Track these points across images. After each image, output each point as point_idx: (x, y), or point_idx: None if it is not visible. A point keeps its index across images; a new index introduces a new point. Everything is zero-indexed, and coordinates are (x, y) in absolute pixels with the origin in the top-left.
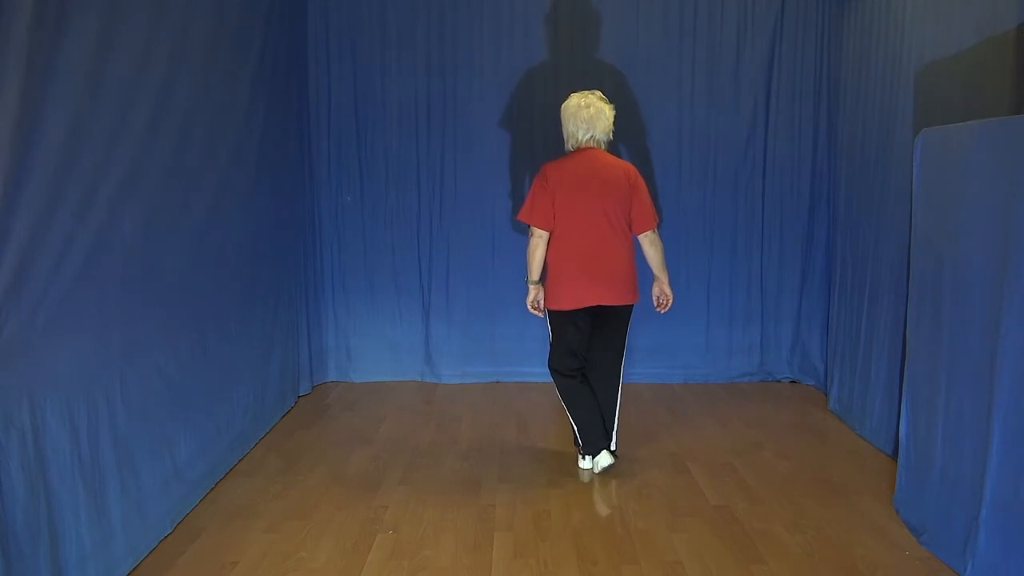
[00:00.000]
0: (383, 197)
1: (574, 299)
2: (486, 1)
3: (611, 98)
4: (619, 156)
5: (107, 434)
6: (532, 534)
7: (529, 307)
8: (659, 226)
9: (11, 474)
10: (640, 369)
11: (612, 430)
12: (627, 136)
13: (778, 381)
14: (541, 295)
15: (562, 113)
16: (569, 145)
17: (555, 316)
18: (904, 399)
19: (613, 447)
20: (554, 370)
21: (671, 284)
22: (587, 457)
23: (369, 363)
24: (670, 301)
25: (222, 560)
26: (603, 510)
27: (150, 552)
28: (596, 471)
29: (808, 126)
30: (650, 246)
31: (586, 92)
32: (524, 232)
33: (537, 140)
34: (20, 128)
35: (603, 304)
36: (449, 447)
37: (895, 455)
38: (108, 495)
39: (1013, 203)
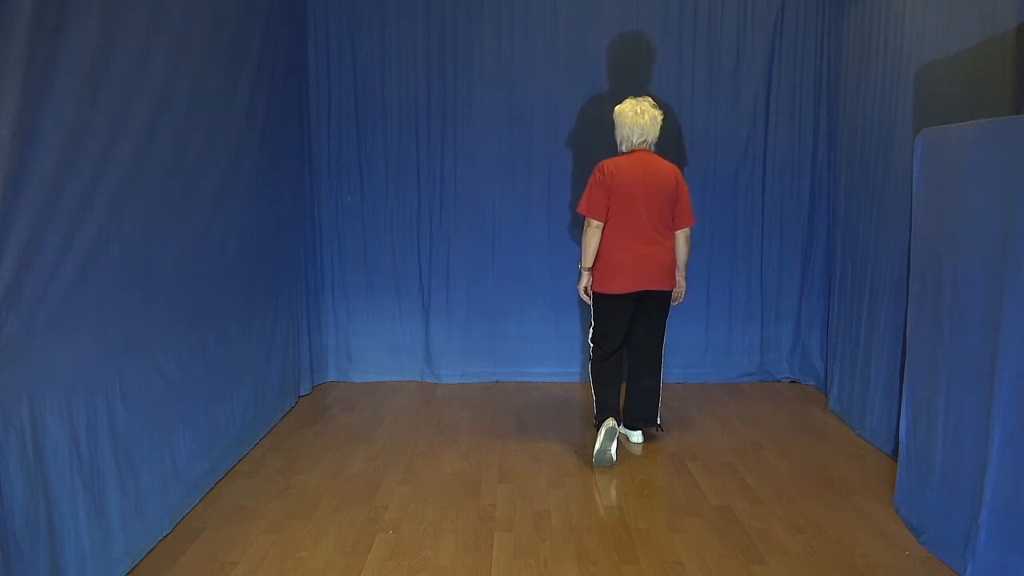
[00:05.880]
0: (383, 197)
1: (625, 284)
2: (486, 1)
3: (610, 98)
4: (614, 154)
5: (106, 434)
6: (532, 534)
7: (581, 292)
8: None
9: (10, 474)
10: None
11: (657, 407)
12: None
13: (778, 381)
14: (591, 281)
15: (616, 118)
16: (623, 147)
17: (604, 299)
18: (904, 399)
19: (659, 421)
20: (597, 346)
21: (687, 279)
22: (602, 425)
23: (369, 363)
24: (683, 293)
25: (222, 560)
26: (603, 510)
27: (149, 552)
28: (633, 440)
29: (808, 126)
30: (684, 242)
31: (639, 99)
32: (523, 232)
33: (537, 139)
34: (20, 128)
35: (649, 289)
36: (449, 447)
37: (895, 455)
38: (107, 495)
39: (1013, 203)
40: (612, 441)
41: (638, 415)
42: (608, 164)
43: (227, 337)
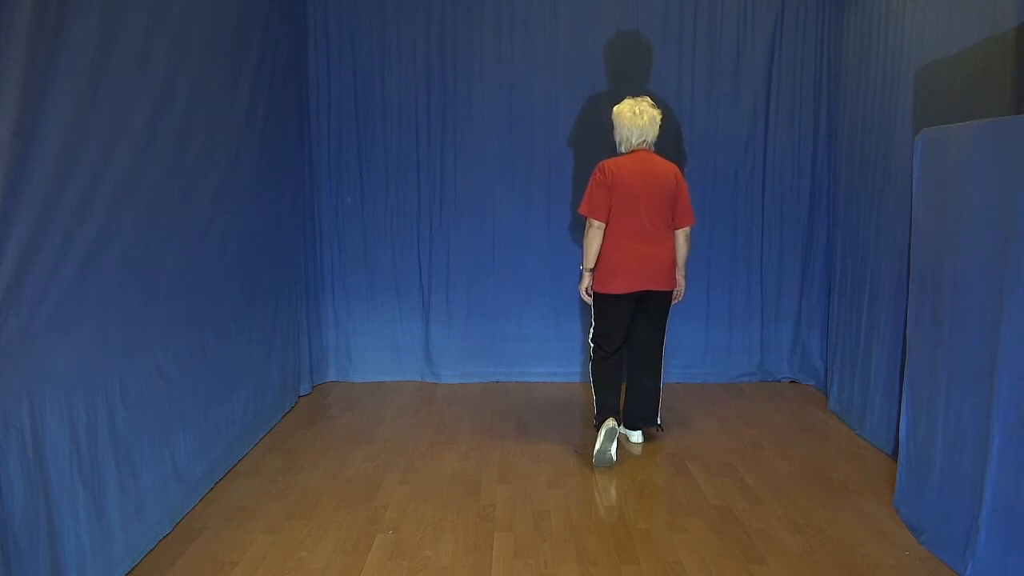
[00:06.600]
0: (383, 197)
1: (626, 284)
2: (486, 1)
3: (610, 98)
4: (614, 153)
5: (106, 434)
6: (532, 534)
7: (582, 293)
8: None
9: (10, 474)
10: None
11: (657, 408)
12: None
13: (778, 381)
14: (592, 281)
15: (615, 118)
16: (622, 148)
17: (605, 299)
18: (904, 399)
19: (659, 421)
20: (598, 346)
21: (686, 278)
22: (602, 426)
23: (369, 363)
24: (683, 291)
25: (222, 560)
26: (603, 510)
27: (149, 552)
28: (633, 440)
29: (808, 126)
30: (684, 241)
31: (637, 99)
32: (523, 232)
33: (537, 139)
34: (20, 128)
35: (650, 289)
36: (449, 447)
37: (895, 455)
38: (107, 495)
39: (1013, 203)
40: (612, 441)
41: (638, 415)
42: (608, 164)
43: (227, 337)
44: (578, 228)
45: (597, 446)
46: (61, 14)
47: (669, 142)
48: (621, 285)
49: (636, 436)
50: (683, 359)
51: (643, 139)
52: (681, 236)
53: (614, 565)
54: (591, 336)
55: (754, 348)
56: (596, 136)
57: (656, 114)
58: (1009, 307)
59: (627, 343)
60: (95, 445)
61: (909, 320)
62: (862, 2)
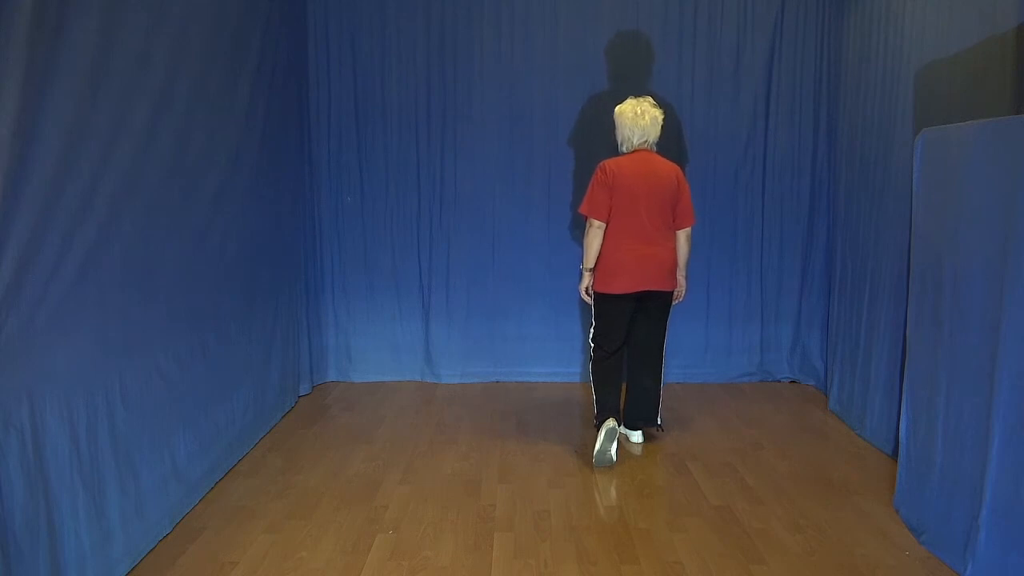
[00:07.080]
0: (383, 197)
1: (626, 284)
2: (486, 1)
3: (611, 98)
4: (614, 153)
5: (106, 434)
6: (532, 534)
7: (582, 293)
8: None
9: (10, 474)
10: None
11: (657, 408)
12: None
13: (778, 381)
14: (592, 281)
15: (616, 118)
16: (623, 148)
17: (605, 299)
18: (904, 399)
19: (659, 421)
20: (598, 346)
21: (687, 278)
22: (602, 426)
23: (369, 363)
24: (684, 292)
25: (222, 560)
26: (603, 510)
27: (149, 552)
28: (633, 440)
29: (808, 126)
30: (685, 241)
31: (639, 99)
32: (523, 232)
33: (537, 139)
34: (20, 128)
35: (651, 289)
36: (449, 447)
37: (895, 455)
38: (107, 495)
39: (1013, 203)
40: (612, 441)
41: (638, 415)
42: (610, 164)
43: (227, 337)
44: (578, 228)
45: (597, 446)
46: (61, 14)
47: (671, 141)
48: (621, 285)
49: (636, 436)
50: (683, 359)
51: (644, 139)
52: (682, 236)
53: (614, 565)
54: (591, 336)
55: (754, 348)
56: (596, 136)
57: (658, 114)
58: (1009, 307)
59: (627, 343)
60: (95, 445)
61: (909, 320)
62: (862, 2)
